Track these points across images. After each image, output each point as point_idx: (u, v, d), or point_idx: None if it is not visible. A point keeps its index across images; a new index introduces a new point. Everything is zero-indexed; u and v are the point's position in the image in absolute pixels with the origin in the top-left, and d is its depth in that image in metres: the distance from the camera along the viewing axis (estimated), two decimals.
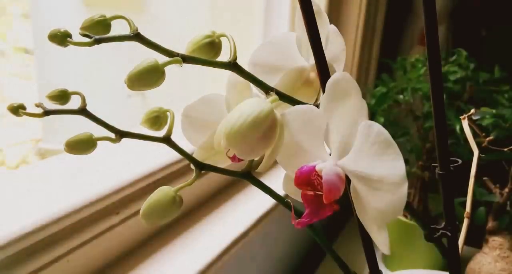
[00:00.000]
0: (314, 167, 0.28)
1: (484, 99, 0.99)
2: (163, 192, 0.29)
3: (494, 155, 0.63)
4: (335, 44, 0.33)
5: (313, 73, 0.34)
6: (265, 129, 0.28)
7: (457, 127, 0.88)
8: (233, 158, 0.30)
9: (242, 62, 0.31)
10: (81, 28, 0.27)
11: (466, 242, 0.49)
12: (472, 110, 0.52)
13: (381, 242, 0.28)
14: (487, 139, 0.52)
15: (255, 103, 0.28)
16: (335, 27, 0.33)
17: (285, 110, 0.30)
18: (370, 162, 0.26)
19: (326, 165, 0.28)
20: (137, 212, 0.60)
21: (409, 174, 1.03)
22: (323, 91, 0.30)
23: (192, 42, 0.30)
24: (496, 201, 0.86)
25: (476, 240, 0.89)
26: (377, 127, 0.26)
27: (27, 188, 0.60)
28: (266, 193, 0.34)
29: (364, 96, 0.27)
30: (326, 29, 0.33)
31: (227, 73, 0.32)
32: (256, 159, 0.30)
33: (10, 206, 0.54)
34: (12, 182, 0.61)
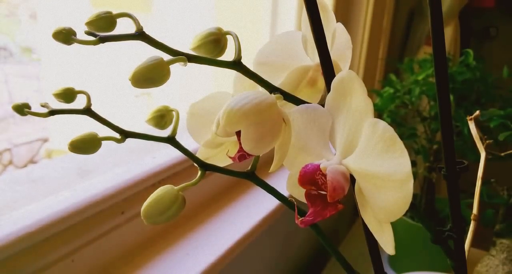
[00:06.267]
0: (319, 165, 0.27)
1: (492, 100, 0.98)
2: (165, 190, 0.29)
3: (502, 156, 0.62)
4: (342, 43, 0.33)
5: (318, 72, 0.34)
6: (269, 117, 0.27)
7: (465, 129, 0.87)
8: (234, 158, 0.30)
9: (248, 61, 0.31)
10: (86, 23, 0.27)
11: (473, 244, 0.49)
12: (477, 112, 0.52)
13: (386, 242, 0.28)
14: (487, 141, 0.51)
15: (261, 92, 0.28)
16: (342, 25, 0.33)
17: (290, 109, 0.30)
18: (375, 159, 0.26)
19: (331, 164, 0.27)
20: None
21: (416, 175, 1.03)
22: (328, 90, 0.29)
23: (197, 37, 0.29)
24: (503, 203, 0.85)
25: (484, 242, 0.88)
26: (383, 125, 0.25)
27: (33, 187, 0.60)
28: (270, 193, 0.34)
29: (370, 97, 0.27)
30: (333, 27, 0.33)
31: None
32: (259, 154, 0.30)
33: (16, 205, 0.55)
34: (18, 181, 0.62)
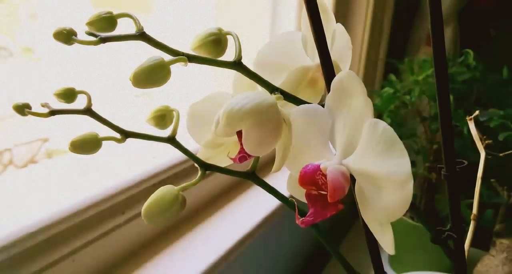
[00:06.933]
0: (319, 165, 0.27)
1: (492, 100, 0.98)
2: (165, 190, 0.29)
3: (502, 156, 0.62)
4: (341, 43, 0.33)
5: (318, 72, 0.34)
6: (269, 117, 0.27)
7: (465, 129, 0.87)
8: (235, 159, 0.30)
9: (248, 61, 0.31)
10: (87, 24, 0.27)
11: (473, 244, 0.49)
12: (477, 112, 0.52)
13: (386, 242, 0.28)
14: (486, 142, 0.52)
15: (261, 93, 0.28)
16: (341, 26, 0.33)
17: (290, 110, 0.30)
18: (375, 160, 0.26)
19: (331, 164, 0.27)
20: None
21: (416, 175, 1.03)
22: (328, 91, 0.29)
23: (198, 38, 0.29)
24: (503, 203, 0.85)
25: (484, 242, 0.88)
26: (383, 125, 0.25)
27: (34, 187, 0.60)
28: (270, 193, 0.34)
29: (370, 97, 0.27)
30: (332, 28, 0.33)
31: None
32: (259, 155, 0.30)
33: (16, 205, 0.55)
34: (19, 181, 0.62)
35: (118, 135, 0.30)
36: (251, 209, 0.80)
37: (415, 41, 1.53)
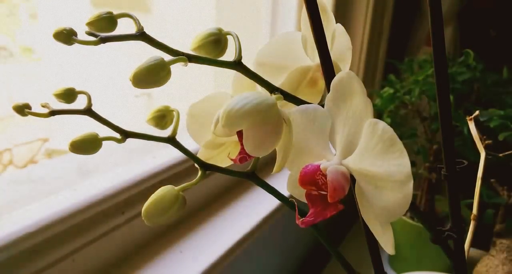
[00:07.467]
0: (319, 166, 0.27)
1: (492, 100, 0.98)
2: (165, 190, 0.29)
3: (502, 156, 0.62)
4: (341, 43, 0.33)
5: (318, 72, 0.34)
6: (269, 118, 0.27)
7: (465, 129, 0.87)
8: (235, 160, 0.30)
9: (248, 61, 0.31)
10: (87, 24, 0.27)
11: (473, 244, 0.49)
12: (477, 112, 0.52)
13: (386, 241, 0.28)
14: (486, 142, 0.52)
15: (260, 93, 0.28)
16: (341, 26, 0.33)
17: (290, 110, 0.30)
18: (375, 160, 0.26)
19: (331, 164, 0.27)
20: None
21: (416, 175, 1.03)
22: (328, 91, 0.29)
23: (198, 38, 0.29)
24: (503, 203, 0.85)
25: (485, 242, 0.88)
26: (383, 125, 0.25)
27: (33, 187, 0.60)
28: (270, 193, 0.34)
29: (370, 97, 0.27)
30: (332, 28, 0.33)
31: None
32: (259, 156, 0.30)
33: (16, 205, 0.55)
34: (18, 181, 0.62)
35: (118, 136, 0.30)
36: (251, 209, 0.80)
37: (415, 41, 1.53)
